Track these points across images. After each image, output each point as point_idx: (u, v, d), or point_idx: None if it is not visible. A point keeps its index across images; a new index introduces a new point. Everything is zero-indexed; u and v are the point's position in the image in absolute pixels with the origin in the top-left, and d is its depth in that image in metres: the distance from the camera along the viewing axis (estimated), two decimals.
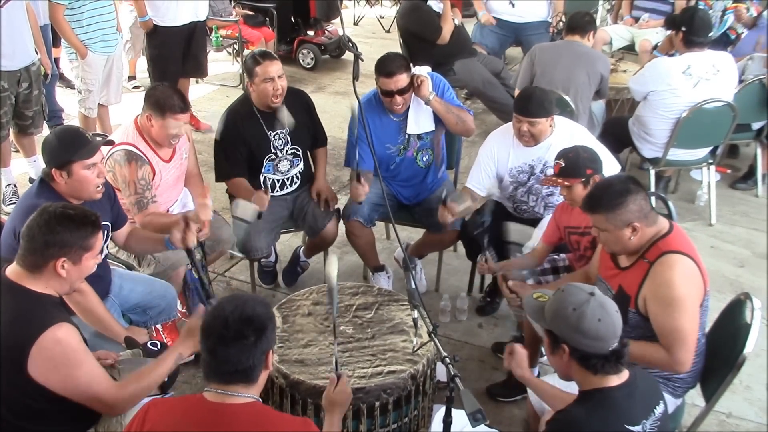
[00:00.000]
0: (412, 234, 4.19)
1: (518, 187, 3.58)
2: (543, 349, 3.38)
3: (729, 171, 5.58)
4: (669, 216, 3.10)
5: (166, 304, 3.22)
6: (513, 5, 6.39)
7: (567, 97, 4.52)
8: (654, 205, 2.70)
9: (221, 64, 7.75)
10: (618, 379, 2.03)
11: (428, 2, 5.85)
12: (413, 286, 2.54)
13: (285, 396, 2.65)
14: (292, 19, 8.02)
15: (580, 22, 4.81)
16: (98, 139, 2.92)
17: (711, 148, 4.78)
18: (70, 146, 2.73)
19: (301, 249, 4.20)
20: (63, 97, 6.06)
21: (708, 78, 4.39)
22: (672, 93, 4.42)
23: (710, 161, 4.82)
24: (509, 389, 3.32)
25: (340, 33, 8.04)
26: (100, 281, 2.94)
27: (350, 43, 2.72)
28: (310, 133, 3.89)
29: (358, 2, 10.16)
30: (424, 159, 3.89)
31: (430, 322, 2.50)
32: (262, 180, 3.80)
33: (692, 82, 4.39)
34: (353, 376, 2.61)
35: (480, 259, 3.34)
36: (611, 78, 4.99)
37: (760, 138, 5.19)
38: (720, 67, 4.44)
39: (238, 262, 4.33)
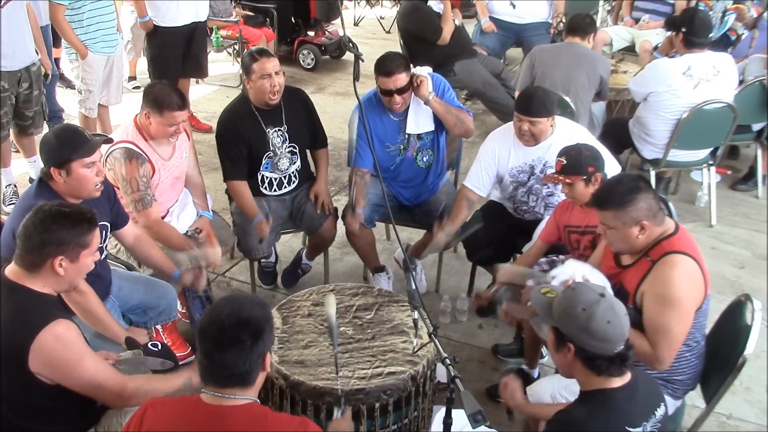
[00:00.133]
0: (413, 235, 4.19)
1: (518, 187, 3.58)
2: (543, 350, 3.38)
3: (729, 172, 5.58)
4: (669, 217, 3.10)
5: (166, 305, 3.22)
6: (514, 6, 6.40)
7: (567, 98, 4.52)
8: None
9: (221, 64, 7.75)
10: (620, 380, 2.03)
11: (428, 3, 5.85)
12: (413, 287, 2.54)
13: (285, 397, 2.64)
14: (293, 19, 8.01)
15: (580, 24, 4.81)
16: (97, 137, 2.92)
17: (711, 149, 4.78)
18: (69, 145, 2.72)
19: (304, 251, 4.20)
20: (63, 97, 6.06)
21: (708, 79, 4.39)
22: (672, 94, 4.42)
23: (710, 162, 4.82)
24: None
25: (341, 33, 8.05)
26: (100, 282, 2.94)
27: (351, 44, 2.71)
28: (308, 131, 3.89)
29: (358, 3, 10.15)
30: (425, 159, 3.89)
31: (430, 323, 2.50)
32: (260, 178, 3.81)
33: (692, 83, 4.39)
34: (353, 377, 2.61)
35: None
36: (611, 79, 4.99)
37: (760, 139, 5.19)
38: (720, 68, 4.44)
39: (239, 262, 4.33)
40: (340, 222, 3.92)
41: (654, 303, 2.42)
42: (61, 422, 2.28)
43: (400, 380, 2.61)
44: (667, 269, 2.41)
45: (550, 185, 3.45)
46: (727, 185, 5.42)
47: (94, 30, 4.88)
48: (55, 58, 5.63)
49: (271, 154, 3.76)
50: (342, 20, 2.64)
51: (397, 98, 3.63)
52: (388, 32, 9.22)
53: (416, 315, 2.53)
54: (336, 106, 6.70)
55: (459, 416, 2.21)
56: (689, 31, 4.44)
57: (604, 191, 2.56)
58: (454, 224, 3.58)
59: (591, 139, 3.46)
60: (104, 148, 3.13)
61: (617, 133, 4.78)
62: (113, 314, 2.94)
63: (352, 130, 3.94)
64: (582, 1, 7.01)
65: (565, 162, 2.98)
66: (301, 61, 7.87)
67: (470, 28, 6.63)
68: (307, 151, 3.96)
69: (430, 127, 3.80)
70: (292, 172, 3.87)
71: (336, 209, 3.93)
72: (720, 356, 2.60)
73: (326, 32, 8.02)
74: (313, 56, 7.85)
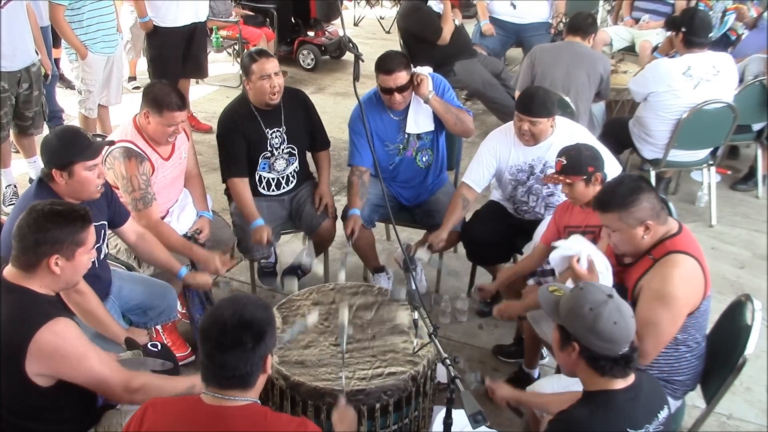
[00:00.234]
0: (413, 235, 4.18)
1: (518, 187, 3.58)
2: (543, 350, 3.38)
3: (729, 172, 5.58)
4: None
5: (166, 305, 3.22)
6: (514, 6, 6.40)
7: (567, 98, 4.52)
8: None
9: (221, 65, 7.75)
10: (624, 382, 2.03)
11: (428, 3, 5.85)
12: (413, 287, 2.54)
13: (285, 397, 2.64)
14: (293, 19, 8.01)
15: (582, 24, 4.80)
16: (99, 140, 2.91)
17: (711, 149, 4.78)
18: (72, 147, 2.72)
19: (305, 253, 4.18)
20: (63, 97, 6.06)
21: (708, 79, 4.39)
22: (672, 94, 4.42)
23: (710, 162, 4.82)
24: None
25: (341, 34, 8.05)
26: (100, 282, 2.94)
27: (351, 44, 2.71)
28: (307, 133, 3.89)
29: (358, 3, 10.16)
30: (424, 159, 3.88)
31: (430, 323, 2.49)
32: (257, 178, 3.80)
33: (692, 83, 4.39)
34: (354, 377, 2.61)
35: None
36: (611, 79, 4.99)
37: (760, 139, 5.19)
38: (720, 68, 4.44)
39: (239, 262, 4.33)
40: (339, 222, 3.91)
41: (649, 297, 2.41)
42: (61, 422, 2.28)
43: (400, 380, 2.61)
44: (668, 267, 2.41)
45: (551, 185, 3.45)
46: (727, 185, 5.42)
47: (94, 30, 4.88)
48: (55, 59, 5.63)
49: (268, 154, 3.76)
50: (342, 20, 2.64)
51: (398, 96, 3.63)
52: (388, 32, 9.22)
53: (416, 315, 2.54)
54: (336, 107, 6.70)
55: (459, 416, 2.21)
56: (689, 31, 4.44)
57: (606, 194, 2.55)
58: (448, 225, 3.57)
59: (591, 139, 3.46)
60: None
61: (617, 133, 4.78)
62: (113, 315, 2.94)
63: (351, 128, 3.93)
64: (582, 1, 7.00)
65: (564, 162, 2.98)
66: (301, 62, 7.87)
67: (470, 28, 6.63)
68: (308, 152, 3.96)
69: (429, 127, 3.79)
70: (290, 173, 3.87)
71: (335, 210, 3.93)
72: (720, 356, 2.60)
73: (326, 32, 8.02)
74: (313, 56, 7.85)
